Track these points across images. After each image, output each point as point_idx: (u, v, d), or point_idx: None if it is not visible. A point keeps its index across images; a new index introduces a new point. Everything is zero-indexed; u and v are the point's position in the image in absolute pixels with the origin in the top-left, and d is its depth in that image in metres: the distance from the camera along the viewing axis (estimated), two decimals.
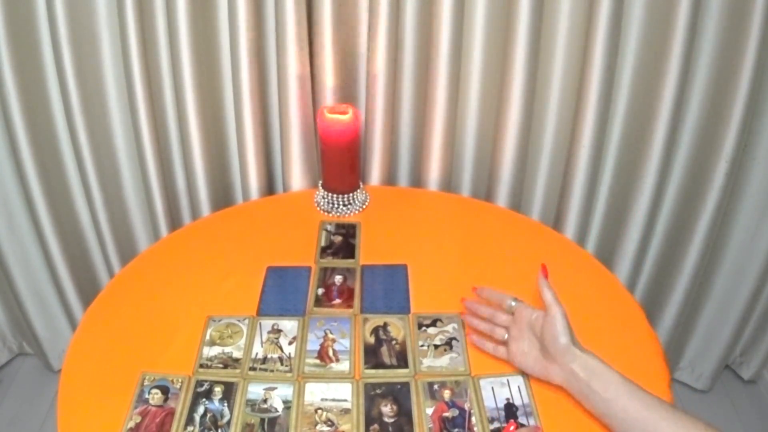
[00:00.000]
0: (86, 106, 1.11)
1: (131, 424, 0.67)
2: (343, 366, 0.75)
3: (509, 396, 0.71)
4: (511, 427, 0.66)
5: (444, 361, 0.77)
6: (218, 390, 0.71)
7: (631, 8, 1.01)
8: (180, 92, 1.08)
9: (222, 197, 1.23)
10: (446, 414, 0.69)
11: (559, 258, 0.96)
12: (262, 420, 0.68)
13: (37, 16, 1.07)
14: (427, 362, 0.77)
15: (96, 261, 1.37)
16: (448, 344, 0.79)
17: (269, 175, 1.21)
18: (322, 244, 0.98)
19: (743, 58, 0.99)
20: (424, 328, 0.81)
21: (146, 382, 0.72)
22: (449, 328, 0.81)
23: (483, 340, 0.78)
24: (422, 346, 0.79)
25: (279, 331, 0.80)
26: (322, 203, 1.06)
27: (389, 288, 0.88)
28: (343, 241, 0.98)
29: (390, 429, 0.68)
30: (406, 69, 1.10)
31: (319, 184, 1.07)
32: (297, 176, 1.16)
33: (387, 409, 0.70)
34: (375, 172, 1.17)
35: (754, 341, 1.40)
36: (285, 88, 1.07)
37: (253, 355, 0.76)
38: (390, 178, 1.20)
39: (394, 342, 0.79)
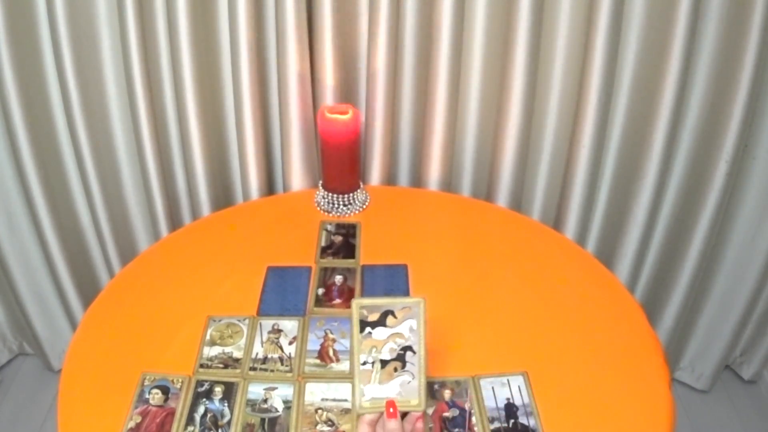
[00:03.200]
0: (86, 106, 1.11)
1: (131, 424, 0.67)
2: (344, 366, 0.75)
3: (509, 396, 0.71)
4: (391, 409, 0.56)
5: (392, 388, 0.57)
6: (218, 390, 0.71)
7: (631, 8, 1.01)
8: (180, 92, 1.08)
9: (222, 197, 1.23)
10: (446, 414, 0.69)
11: (559, 258, 0.96)
12: (263, 420, 0.68)
13: (37, 16, 1.06)
14: (369, 392, 0.56)
15: (96, 261, 1.37)
16: (401, 360, 0.57)
17: (269, 175, 1.21)
18: (323, 244, 0.98)
19: (743, 58, 0.99)
20: (368, 330, 0.57)
21: (146, 382, 0.72)
22: (405, 328, 0.57)
23: None
24: (364, 364, 0.57)
25: (279, 331, 0.80)
26: (322, 203, 1.06)
27: (389, 288, 0.88)
28: (344, 241, 0.98)
29: None
30: (407, 69, 1.10)
31: (319, 184, 1.07)
32: (297, 176, 1.16)
33: None
34: (375, 172, 1.17)
35: (754, 341, 1.40)
36: (285, 88, 1.07)
37: (253, 355, 0.76)
38: (390, 178, 1.20)
39: None
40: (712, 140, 1.09)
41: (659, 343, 0.80)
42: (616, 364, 0.75)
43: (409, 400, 0.57)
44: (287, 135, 1.12)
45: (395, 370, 0.57)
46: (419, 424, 0.58)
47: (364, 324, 0.57)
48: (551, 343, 0.78)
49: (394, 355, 0.57)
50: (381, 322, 0.57)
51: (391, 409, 0.56)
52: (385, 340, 0.57)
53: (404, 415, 0.58)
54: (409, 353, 0.57)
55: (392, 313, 0.57)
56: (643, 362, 0.76)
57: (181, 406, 0.69)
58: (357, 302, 0.57)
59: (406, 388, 0.57)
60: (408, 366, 0.57)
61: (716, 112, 1.07)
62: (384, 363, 0.57)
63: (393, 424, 0.56)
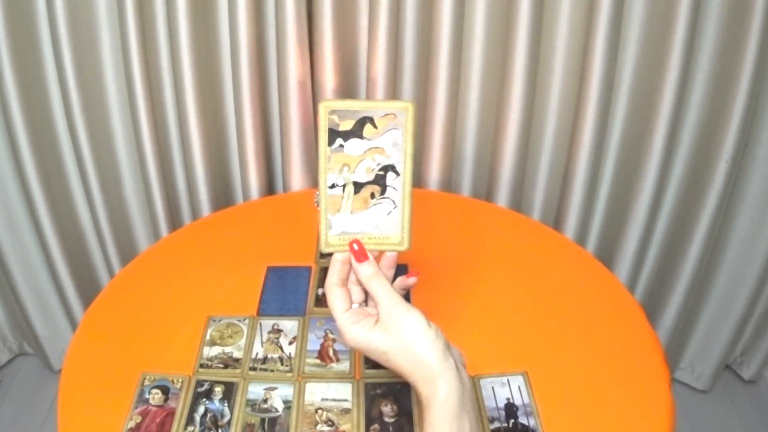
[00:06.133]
0: (86, 106, 1.11)
1: (131, 424, 0.67)
2: (344, 366, 0.75)
3: (509, 396, 0.71)
4: (355, 246, 0.46)
5: (367, 220, 0.46)
6: (218, 390, 0.71)
7: (631, 8, 1.01)
8: (180, 92, 1.08)
9: (222, 197, 1.23)
10: None
11: (559, 258, 0.96)
12: (263, 420, 0.68)
13: (37, 15, 1.07)
14: (338, 224, 0.45)
15: (96, 261, 1.37)
16: (379, 183, 0.46)
17: (269, 175, 1.21)
18: None
19: (743, 58, 0.99)
20: (339, 141, 0.45)
21: (146, 382, 0.72)
22: (386, 142, 0.45)
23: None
24: (332, 187, 0.45)
25: (279, 331, 0.80)
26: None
27: None
28: None
29: (390, 429, 0.68)
30: (406, 69, 1.10)
31: None
32: (297, 176, 1.16)
33: (387, 408, 0.70)
34: None
35: (754, 341, 1.40)
36: (285, 87, 1.07)
37: (253, 355, 0.76)
38: None
39: None
40: (712, 140, 1.09)
41: (659, 343, 0.80)
42: (616, 364, 0.75)
43: (388, 236, 0.46)
44: (287, 135, 1.12)
45: (372, 196, 0.46)
46: (411, 280, 0.46)
47: (334, 134, 0.44)
48: (551, 343, 0.78)
49: (372, 177, 0.45)
50: (356, 132, 0.44)
51: (356, 246, 0.43)
52: (360, 156, 0.45)
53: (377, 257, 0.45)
54: (391, 174, 0.46)
55: (371, 120, 0.44)
56: (643, 362, 0.76)
57: (181, 406, 0.69)
58: (326, 104, 0.43)
59: (384, 221, 0.45)
60: (389, 191, 0.46)
61: (716, 112, 1.07)
62: (358, 186, 0.45)
63: (366, 268, 0.43)
